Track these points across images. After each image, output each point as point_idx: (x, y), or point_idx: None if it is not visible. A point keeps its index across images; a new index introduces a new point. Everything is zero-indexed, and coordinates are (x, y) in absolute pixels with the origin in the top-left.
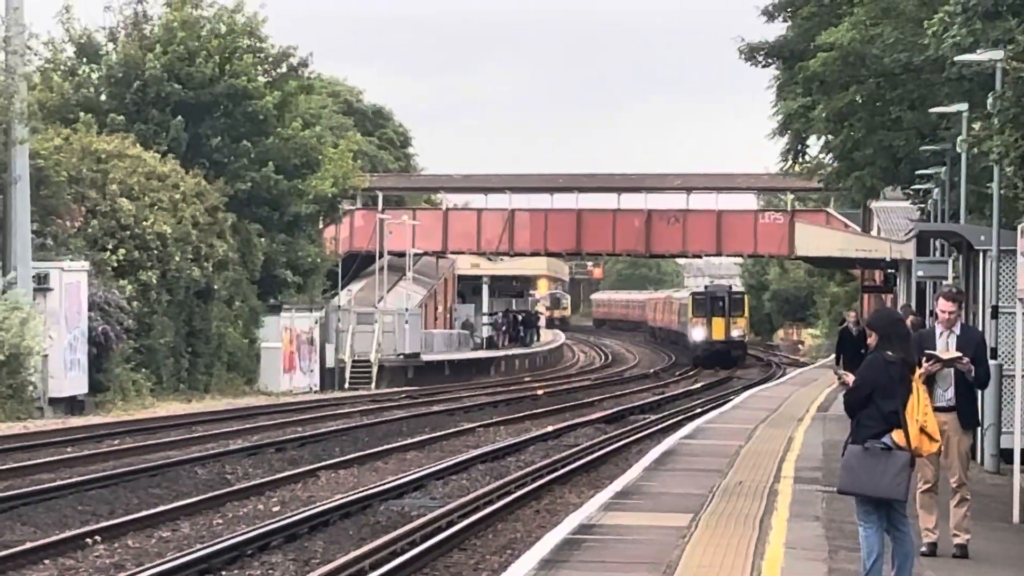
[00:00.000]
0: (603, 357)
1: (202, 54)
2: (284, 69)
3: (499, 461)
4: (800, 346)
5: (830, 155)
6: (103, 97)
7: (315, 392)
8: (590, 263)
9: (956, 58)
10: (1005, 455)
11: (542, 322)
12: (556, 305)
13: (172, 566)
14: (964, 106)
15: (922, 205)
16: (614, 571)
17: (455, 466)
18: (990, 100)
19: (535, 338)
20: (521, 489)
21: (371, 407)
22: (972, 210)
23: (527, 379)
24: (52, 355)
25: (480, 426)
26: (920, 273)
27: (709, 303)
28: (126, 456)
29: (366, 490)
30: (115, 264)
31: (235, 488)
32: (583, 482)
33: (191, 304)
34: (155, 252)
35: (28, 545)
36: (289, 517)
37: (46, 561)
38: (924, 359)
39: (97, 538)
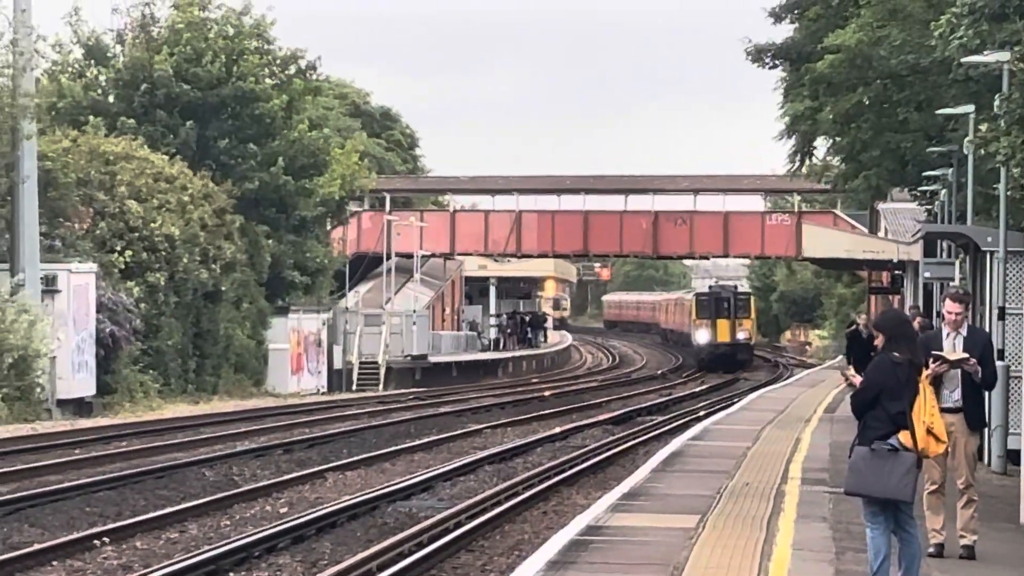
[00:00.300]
0: (611, 359)
1: (208, 55)
2: (292, 71)
3: (506, 462)
4: (807, 347)
5: (837, 157)
6: (111, 99)
7: (323, 393)
8: (597, 264)
9: (963, 60)
10: (1012, 456)
11: (549, 323)
12: (556, 307)
13: (180, 567)
14: (971, 108)
15: (929, 206)
16: (621, 572)
17: (462, 467)
18: (997, 102)
19: (543, 339)
20: (528, 490)
21: (378, 408)
22: (979, 211)
23: (534, 380)
24: (60, 357)
25: (487, 427)
26: (927, 274)
27: (714, 304)
28: (134, 458)
29: (374, 491)
30: (123, 266)
31: (243, 489)
32: (590, 483)
33: (199, 306)
34: (163, 254)
35: (36, 546)
36: (297, 518)
37: (54, 563)
38: (931, 360)
39: (105, 539)
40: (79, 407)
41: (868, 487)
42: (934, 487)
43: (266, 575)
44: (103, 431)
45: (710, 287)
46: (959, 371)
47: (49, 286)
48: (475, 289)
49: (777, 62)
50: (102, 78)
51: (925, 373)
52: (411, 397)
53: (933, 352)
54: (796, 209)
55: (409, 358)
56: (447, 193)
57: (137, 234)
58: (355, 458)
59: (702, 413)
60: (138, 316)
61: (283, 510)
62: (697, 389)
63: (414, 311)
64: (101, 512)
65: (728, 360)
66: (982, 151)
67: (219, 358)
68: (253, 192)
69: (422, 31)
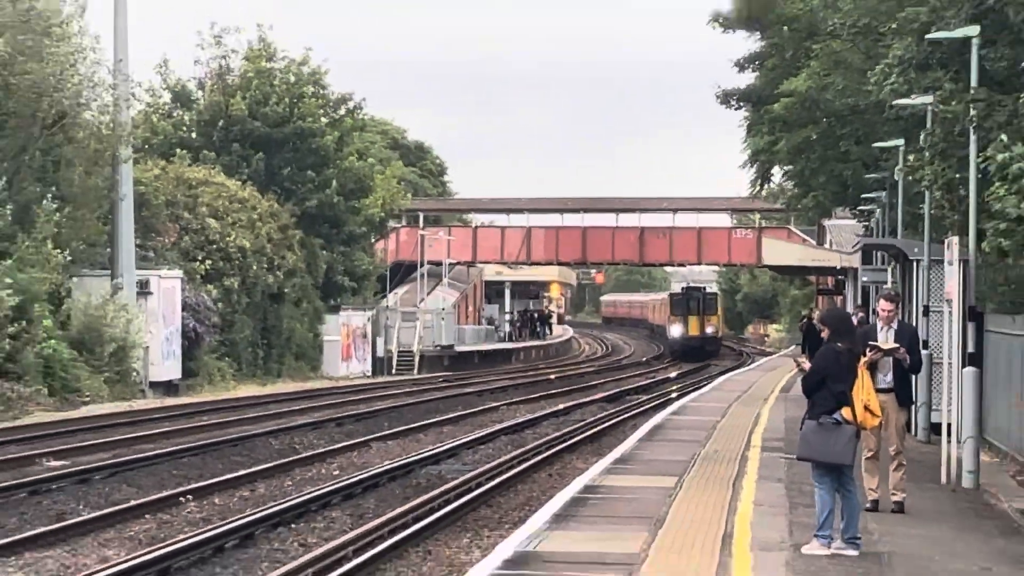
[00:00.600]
0: (605, 348)
1: (274, 98)
2: (342, 111)
3: (519, 433)
4: (766, 339)
5: (791, 182)
6: (194, 135)
7: (367, 377)
8: (593, 270)
9: (894, 102)
10: (935, 428)
11: (554, 319)
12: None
13: (251, 519)
14: (901, 141)
15: (866, 223)
16: (613, 524)
17: (482, 438)
18: (922, 137)
19: (549, 332)
20: (537, 456)
21: (413, 389)
22: (907, 227)
23: (542, 366)
24: (152, 347)
25: (503, 404)
26: (865, 279)
27: (685, 303)
28: (212, 430)
29: (409, 457)
30: (204, 272)
31: (302, 456)
32: (588, 451)
33: (266, 305)
34: (236, 262)
35: (133, 503)
36: (347, 479)
37: (147, 516)
38: (868, 349)
39: (189, 497)
40: (168, 388)
41: (816, 454)
42: (870, 453)
43: (322, 526)
44: (187, 408)
45: (682, 288)
46: (891, 358)
47: (143, 289)
48: (493, 291)
49: (741, 104)
50: (186, 118)
51: (863, 360)
52: (440, 380)
53: (869, 343)
54: (757, 225)
55: (439, 348)
56: (470, 212)
57: (215, 246)
58: (394, 430)
59: (678, 393)
60: (216, 314)
61: (335, 472)
62: (675, 373)
63: (443, 309)
64: (186, 474)
65: (698, 351)
66: (910, 177)
67: (282, 348)
68: (311, 211)
69: (450, 79)
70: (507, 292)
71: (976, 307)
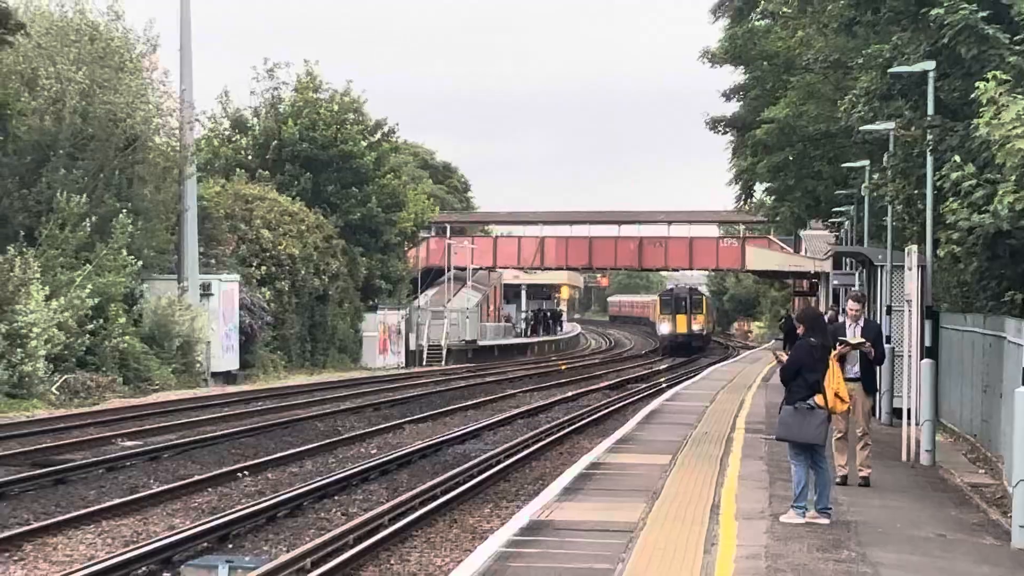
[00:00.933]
0: (608, 343)
1: (321, 125)
2: (378, 135)
3: (533, 417)
4: (749, 335)
5: (770, 197)
6: (250, 157)
7: (401, 368)
8: (598, 275)
9: (861, 128)
10: (896, 412)
11: (564, 316)
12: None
13: (300, 492)
14: (867, 162)
15: (837, 233)
16: (616, 496)
17: (501, 420)
18: (885, 158)
19: (560, 329)
20: (549, 437)
21: (441, 379)
22: (873, 237)
23: (553, 358)
24: (213, 342)
25: (519, 392)
26: (835, 282)
27: (674, 302)
28: (266, 414)
29: (438, 438)
30: (258, 277)
31: (344, 437)
32: (594, 432)
33: (313, 305)
34: (287, 268)
35: (196, 477)
36: (383, 457)
37: (209, 489)
38: (838, 344)
39: (245, 472)
40: (227, 378)
41: (792, 435)
42: (840, 435)
43: (361, 497)
44: (244, 395)
45: (670, 288)
46: (858, 352)
47: (205, 291)
48: (511, 292)
49: (727, 129)
50: (243, 142)
51: (833, 353)
52: (465, 371)
53: (839, 338)
54: (741, 235)
55: (464, 342)
56: (491, 224)
57: (268, 254)
58: (425, 414)
59: (671, 383)
60: (269, 312)
61: (373, 451)
62: (670, 364)
63: (467, 308)
64: (243, 453)
65: (685, 347)
66: (875, 193)
67: (327, 342)
68: (355, 223)
69: (473, 105)
70: (523, 293)
71: (932, 306)
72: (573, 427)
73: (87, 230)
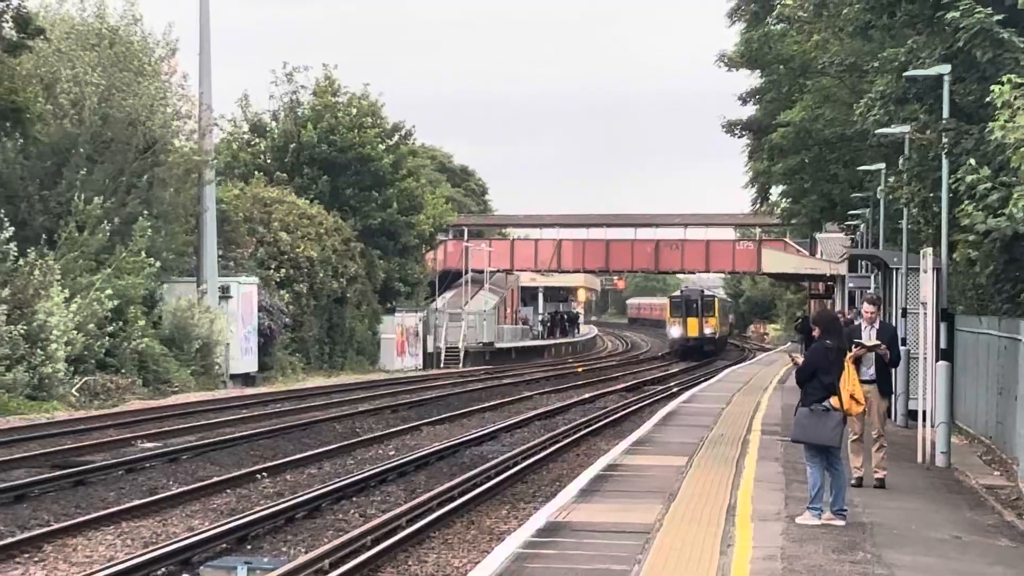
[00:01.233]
0: (625, 345)
1: (341, 129)
2: (396, 138)
3: (550, 419)
4: (765, 337)
5: (786, 200)
6: (269, 160)
7: (419, 370)
8: (615, 277)
9: (876, 131)
10: (912, 414)
11: (581, 319)
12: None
13: (318, 493)
14: (882, 165)
15: (853, 236)
16: (632, 497)
17: (519, 422)
18: (900, 161)
19: (576, 331)
20: (566, 439)
21: (459, 381)
22: (888, 239)
23: (570, 360)
24: (232, 344)
25: (536, 394)
26: (851, 285)
27: (684, 305)
28: (284, 416)
29: (455, 440)
30: (277, 279)
31: (362, 438)
32: (610, 434)
33: (331, 307)
34: (305, 271)
35: (215, 479)
36: (401, 459)
37: (227, 490)
38: (853, 346)
39: (264, 474)
40: (246, 380)
41: (808, 436)
42: (855, 436)
43: (379, 499)
44: (263, 397)
45: (681, 291)
46: (874, 354)
47: (224, 294)
48: (528, 295)
49: (744, 133)
50: (262, 145)
51: (849, 355)
52: (482, 373)
53: (855, 340)
54: (757, 238)
55: (481, 344)
56: (508, 227)
57: (286, 256)
58: (442, 416)
59: (684, 386)
60: (288, 315)
61: (391, 453)
62: (686, 366)
63: (484, 311)
64: (261, 454)
65: (697, 351)
66: (890, 196)
67: (345, 344)
68: (374, 227)
69: (490, 108)
70: (540, 296)
71: (948, 309)
72: (590, 429)
73: (106, 233)
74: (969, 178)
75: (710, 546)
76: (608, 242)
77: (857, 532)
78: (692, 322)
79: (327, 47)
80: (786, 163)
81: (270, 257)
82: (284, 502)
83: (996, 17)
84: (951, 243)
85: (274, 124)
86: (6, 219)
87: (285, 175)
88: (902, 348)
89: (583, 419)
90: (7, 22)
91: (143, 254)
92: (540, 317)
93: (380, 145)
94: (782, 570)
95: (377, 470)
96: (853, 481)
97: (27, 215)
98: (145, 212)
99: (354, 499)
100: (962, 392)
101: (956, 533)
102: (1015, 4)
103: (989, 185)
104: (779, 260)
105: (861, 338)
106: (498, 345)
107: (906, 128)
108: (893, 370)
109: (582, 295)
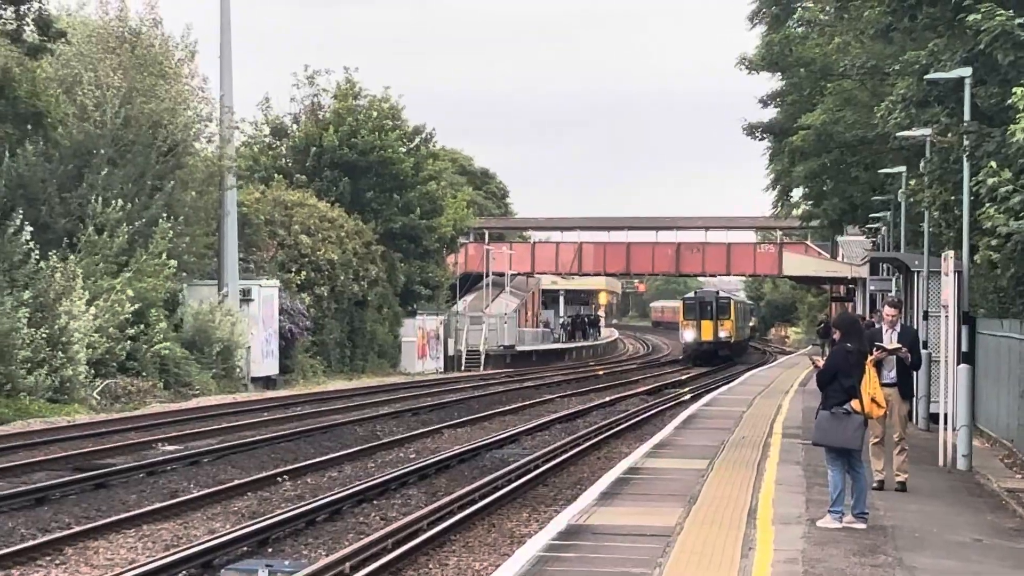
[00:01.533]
0: (647, 348)
1: (361, 132)
2: (416, 141)
3: (571, 422)
4: (786, 340)
5: (807, 202)
6: (289, 163)
7: (440, 373)
8: (636, 280)
9: (897, 134)
10: (933, 418)
11: (602, 322)
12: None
13: (339, 496)
14: (903, 168)
15: (874, 239)
16: (653, 501)
17: (539, 425)
18: (922, 164)
19: (597, 334)
20: (587, 442)
21: (480, 384)
22: (909, 242)
23: (591, 363)
24: (253, 347)
25: (557, 397)
26: (872, 288)
27: (698, 308)
28: (306, 419)
29: (476, 443)
30: (298, 282)
31: (383, 441)
32: (631, 437)
33: (352, 310)
34: (326, 273)
35: (236, 482)
36: (422, 462)
37: (248, 493)
38: (874, 349)
39: (285, 477)
40: (267, 382)
41: (829, 439)
42: (876, 440)
43: (400, 502)
44: (284, 400)
45: (695, 292)
46: (895, 357)
47: (245, 296)
48: (549, 298)
49: (765, 135)
50: (283, 148)
51: (870, 358)
52: (503, 376)
53: (876, 343)
54: (778, 241)
55: (502, 347)
56: (529, 229)
57: (307, 259)
58: (463, 419)
59: (710, 387)
60: (308, 318)
61: (412, 456)
62: (707, 370)
63: (505, 314)
64: (282, 457)
65: (711, 356)
66: (911, 199)
67: (366, 347)
68: (395, 230)
69: (510, 111)
70: (561, 299)
71: (969, 312)
72: (611, 432)
73: (124, 235)
74: (990, 181)
75: (731, 549)
76: (629, 245)
77: (878, 535)
78: (706, 325)
79: (345, 48)
80: (807, 166)
81: (291, 260)
82: (305, 505)
83: (1018, 20)
84: (972, 246)
85: (295, 127)
86: (27, 222)
87: (305, 178)
88: (923, 351)
89: (604, 422)
90: (28, 25)
91: (163, 256)
92: (561, 320)
93: (401, 148)
94: (803, 573)
95: (398, 473)
96: (874, 484)
97: (48, 218)
98: (165, 215)
99: (375, 502)
100: (983, 395)
101: (977, 536)
102: None
103: (1011, 188)
104: (800, 263)
105: (882, 341)
106: (519, 348)
107: (927, 131)
108: (914, 373)
109: (603, 298)
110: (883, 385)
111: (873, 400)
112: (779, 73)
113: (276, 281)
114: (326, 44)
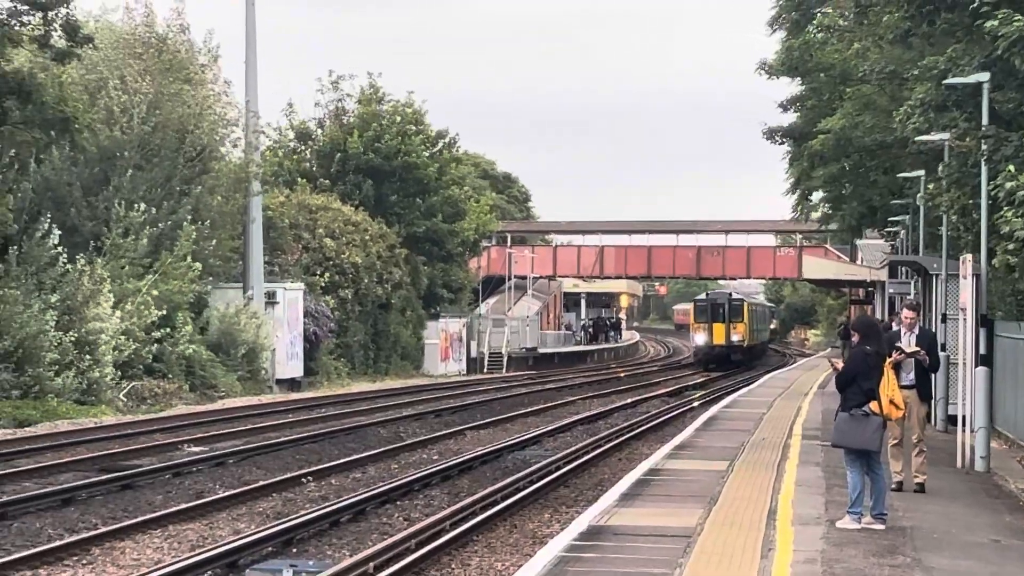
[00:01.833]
0: (667, 351)
1: (385, 137)
2: (440, 145)
3: (592, 423)
4: (806, 342)
5: (826, 205)
6: (314, 167)
7: (462, 375)
8: (657, 283)
9: (916, 138)
10: (951, 419)
11: (623, 325)
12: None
13: (363, 497)
14: (922, 172)
15: (892, 242)
16: (674, 502)
17: (561, 427)
18: (940, 168)
19: (619, 337)
20: (608, 444)
21: (502, 386)
22: (928, 246)
23: (613, 366)
24: (278, 349)
25: (579, 399)
26: (891, 290)
27: (710, 310)
28: (330, 420)
29: (499, 444)
30: (322, 285)
31: (406, 443)
32: (652, 438)
33: (375, 313)
34: (350, 276)
35: (261, 483)
36: (444, 463)
37: (273, 494)
38: (893, 351)
39: (309, 478)
40: (291, 384)
41: (848, 441)
42: (895, 441)
43: (423, 503)
44: (308, 402)
45: (707, 294)
46: (913, 359)
47: (270, 299)
48: (571, 301)
49: (784, 140)
50: (307, 152)
51: (888, 361)
52: (525, 378)
53: (895, 345)
54: (798, 244)
55: (524, 350)
56: (551, 233)
57: (331, 262)
58: (485, 420)
59: (731, 389)
60: (333, 320)
61: (435, 457)
62: (727, 372)
63: (528, 317)
64: (307, 459)
65: (724, 360)
66: (930, 203)
67: (390, 350)
68: (418, 234)
69: (532, 115)
70: (583, 302)
71: (987, 315)
72: (632, 433)
73: (147, 238)
74: (1008, 185)
75: (751, 550)
76: (650, 248)
77: (897, 536)
78: (718, 328)
79: (367, 52)
80: (826, 170)
81: (315, 263)
82: (329, 506)
83: None
84: (990, 249)
85: (319, 132)
86: (55, 226)
87: (328, 182)
88: (941, 353)
89: (625, 423)
90: (56, 30)
91: (188, 258)
92: (583, 323)
93: (424, 152)
94: (822, 573)
95: (421, 474)
96: (893, 485)
97: (76, 221)
98: (189, 218)
99: (398, 503)
100: (1002, 397)
101: (995, 537)
102: None
103: None
104: (819, 266)
105: (901, 343)
106: (541, 350)
107: (946, 135)
108: (932, 375)
109: (624, 301)
110: (902, 387)
111: (892, 402)
112: (798, 78)
113: (301, 284)
114: (326, 44)
